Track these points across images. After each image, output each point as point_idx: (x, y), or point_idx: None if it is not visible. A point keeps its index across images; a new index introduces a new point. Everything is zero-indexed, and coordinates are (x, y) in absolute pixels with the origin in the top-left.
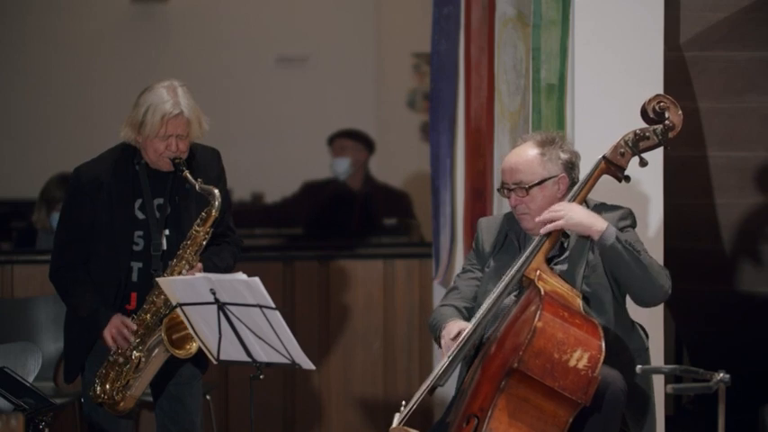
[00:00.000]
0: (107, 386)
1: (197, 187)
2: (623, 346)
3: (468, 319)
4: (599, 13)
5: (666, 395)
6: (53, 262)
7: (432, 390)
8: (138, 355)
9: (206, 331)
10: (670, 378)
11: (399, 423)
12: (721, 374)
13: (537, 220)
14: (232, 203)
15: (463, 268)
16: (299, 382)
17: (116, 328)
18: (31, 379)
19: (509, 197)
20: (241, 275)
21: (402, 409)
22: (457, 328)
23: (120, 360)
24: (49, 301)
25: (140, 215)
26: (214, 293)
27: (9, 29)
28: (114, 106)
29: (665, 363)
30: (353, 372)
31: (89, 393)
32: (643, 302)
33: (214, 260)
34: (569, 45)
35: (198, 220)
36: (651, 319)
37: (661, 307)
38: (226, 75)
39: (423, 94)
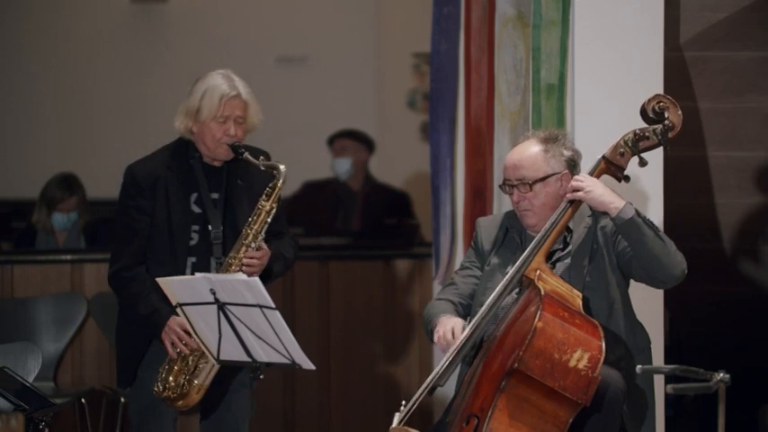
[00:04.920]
0: (171, 378)
1: (261, 166)
2: (624, 346)
3: (462, 314)
4: (599, 13)
5: (666, 395)
6: (112, 264)
7: (432, 390)
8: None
9: (206, 331)
10: (670, 378)
11: (399, 423)
12: (721, 374)
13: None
14: (284, 203)
15: (462, 265)
16: (299, 382)
17: (176, 335)
18: (31, 379)
19: (511, 194)
20: (241, 275)
21: (402, 408)
22: (450, 326)
23: (186, 352)
24: (49, 301)
25: (197, 209)
26: (214, 293)
27: (9, 29)
28: (114, 106)
29: (665, 363)
30: (353, 372)
31: (153, 389)
32: (662, 279)
33: (279, 247)
34: (569, 45)
35: (263, 195)
36: (651, 319)
37: (661, 307)
38: None
39: (423, 94)
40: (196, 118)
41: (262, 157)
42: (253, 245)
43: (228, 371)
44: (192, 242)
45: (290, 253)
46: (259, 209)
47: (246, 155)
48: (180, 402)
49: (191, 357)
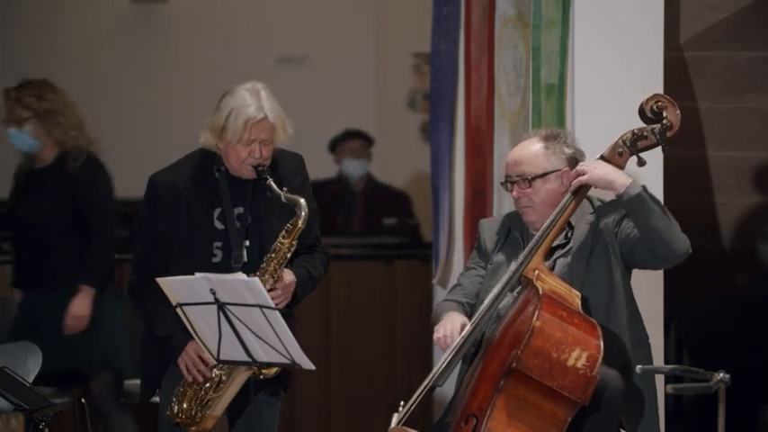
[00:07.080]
0: (184, 405)
1: (282, 197)
2: (625, 342)
3: (469, 314)
4: (599, 13)
5: (666, 395)
6: (132, 276)
7: (431, 390)
8: (218, 372)
9: (206, 331)
10: (670, 378)
11: (398, 423)
12: (721, 374)
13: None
14: (317, 211)
15: (467, 267)
16: (299, 382)
17: (191, 361)
18: (30, 379)
19: (512, 190)
20: (241, 275)
21: (400, 409)
22: (450, 327)
23: (200, 379)
24: None
25: (219, 225)
26: (214, 293)
27: (9, 29)
28: (114, 106)
29: (665, 363)
30: (353, 372)
31: (166, 413)
32: (665, 257)
33: (308, 267)
34: (569, 45)
35: (283, 232)
36: (651, 318)
37: (661, 307)
38: (226, 75)
39: (423, 94)
40: (221, 136)
41: (285, 189)
42: (270, 281)
43: (259, 384)
44: (216, 259)
45: (319, 270)
46: (279, 246)
47: (270, 182)
48: (193, 428)
49: (203, 387)
